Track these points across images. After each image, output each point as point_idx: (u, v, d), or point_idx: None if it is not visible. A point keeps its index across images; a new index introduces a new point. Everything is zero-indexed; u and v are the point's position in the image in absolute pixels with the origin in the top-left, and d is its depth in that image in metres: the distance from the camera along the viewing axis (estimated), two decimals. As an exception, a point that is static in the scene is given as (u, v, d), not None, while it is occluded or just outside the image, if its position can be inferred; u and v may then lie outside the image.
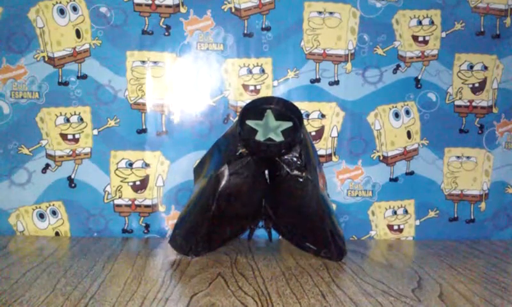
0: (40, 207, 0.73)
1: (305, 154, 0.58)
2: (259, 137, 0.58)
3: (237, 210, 0.61)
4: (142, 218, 0.73)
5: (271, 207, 0.62)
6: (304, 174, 0.57)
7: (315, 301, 0.47)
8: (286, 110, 0.60)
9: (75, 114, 0.73)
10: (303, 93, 0.75)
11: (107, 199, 0.73)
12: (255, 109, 0.60)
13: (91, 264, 0.58)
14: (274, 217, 0.63)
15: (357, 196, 0.76)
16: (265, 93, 0.74)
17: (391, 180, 0.77)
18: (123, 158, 0.73)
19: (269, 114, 0.60)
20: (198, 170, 0.67)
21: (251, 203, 0.62)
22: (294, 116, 0.60)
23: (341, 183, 0.76)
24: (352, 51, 0.75)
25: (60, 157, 0.73)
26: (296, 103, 0.75)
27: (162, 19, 0.73)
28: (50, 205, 0.73)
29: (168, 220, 0.74)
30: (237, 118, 0.65)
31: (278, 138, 0.57)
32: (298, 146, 0.58)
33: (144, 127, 0.74)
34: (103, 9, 0.72)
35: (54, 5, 0.71)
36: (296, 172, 0.58)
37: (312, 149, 0.62)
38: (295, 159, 0.58)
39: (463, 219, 0.78)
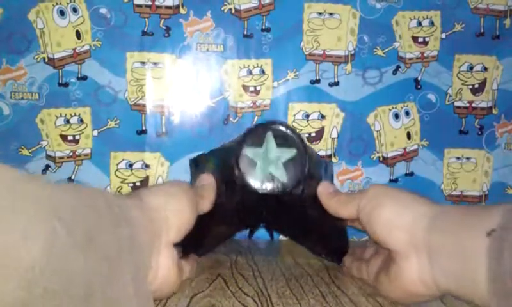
0: (39, 208, 0.73)
1: (308, 187, 0.53)
2: (258, 173, 0.52)
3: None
4: (142, 219, 0.73)
5: (271, 217, 0.61)
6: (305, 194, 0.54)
7: (315, 302, 0.47)
8: (287, 130, 0.54)
9: (75, 115, 0.73)
10: (303, 94, 0.75)
11: (107, 200, 0.73)
12: (255, 132, 0.54)
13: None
14: (275, 225, 0.63)
15: (357, 196, 0.76)
16: (265, 93, 0.74)
17: (391, 180, 0.77)
18: (123, 159, 0.73)
19: (270, 139, 0.53)
20: (195, 171, 0.65)
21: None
22: (296, 137, 0.53)
23: (341, 184, 0.76)
24: (352, 52, 0.76)
25: (60, 158, 0.73)
26: (296, 104, 0.75)
27: (162, 20, 0.73)
28: (50, 206, 0.73)
29: (168, 221, 0.74)
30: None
31: (279, 172, 0.52)
32: (302, 182, 0.52)
33: (144, 128, 0.74)
34: (103, 11, 0.72)
35: (54, 6, 0.71)
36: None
37: (314, 159, 0.57)
38: (299, 193, 0.53)
39: (462, 220, 0.78)
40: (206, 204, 0.50)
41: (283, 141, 0.52)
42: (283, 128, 0.53)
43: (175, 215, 0.42)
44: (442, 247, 0.39)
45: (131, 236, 0.35)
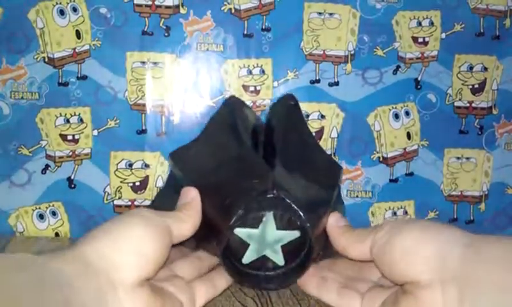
0: (39, 208, 0.73)
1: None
2: (250, 255, 0.42)
3: None
4: (142, 219, 0.73)
5: None
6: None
7: (314, 302, 0.47)
8: (292, 215, 0.42)
9: (75, 114, 0.73)
10: (303, 93, 0.75)
11: (106, 199, 0.73)
12: (249, 211, 0.41)
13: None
14: None
15: (357, 196, 0.76)
16: (265, 93, 0.74)
17: (391, 180, 0.77)
18: (123, 159, 0.73)
19: (269, 220, 0.42)
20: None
21: None
22: (299, 217, 0.41)
23: (341, 184, 0.76)
24: (352, 52, 0.76)
25: (60, 157, 0.73)
26: (296, 104, 0.75)
27: (162, 20, 0.73)
28: (50, 206, 0.73)
29: (168, 221, 0.74)
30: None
31: (276, 257, 0.43)
32: (304, 264, 0.44)
33: (144, 128, 0.74)
34: (103, 10, 0.72)
35: (54, 6, 0.71)
36: None
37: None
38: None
39: (462, 220, 0.78)
40: (187, 229, 0.41)
41: (285, 222, 0.41)
42: (285, 210, 0.41)
43: (129, 253, 0.35)
44: (485, 281, 0.32)
45: (67, 299, 0.29)
